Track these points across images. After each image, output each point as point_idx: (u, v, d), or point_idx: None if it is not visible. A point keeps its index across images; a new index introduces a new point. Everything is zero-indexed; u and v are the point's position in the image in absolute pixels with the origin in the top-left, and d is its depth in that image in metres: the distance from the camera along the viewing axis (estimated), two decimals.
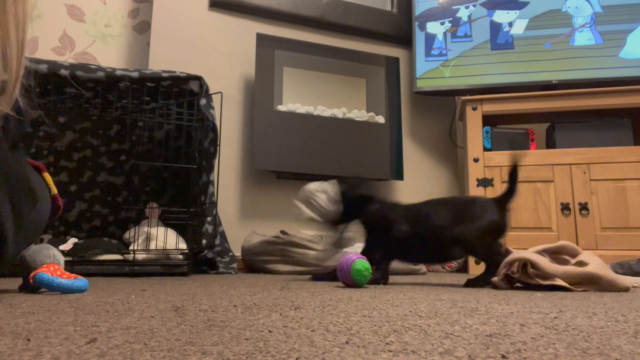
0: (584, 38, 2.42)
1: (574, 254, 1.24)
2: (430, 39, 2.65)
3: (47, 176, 1.02)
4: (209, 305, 0.77)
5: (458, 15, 2.63)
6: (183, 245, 1.74)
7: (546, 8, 2.50)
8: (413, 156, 2.71)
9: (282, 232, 1.97)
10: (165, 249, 1.69)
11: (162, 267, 1.66)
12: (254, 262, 2.02)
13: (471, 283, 1.29)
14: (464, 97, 2.31)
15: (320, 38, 2.61)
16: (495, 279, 1.23)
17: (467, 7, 2.62)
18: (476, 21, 2.59)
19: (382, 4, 2.80)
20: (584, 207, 2.07)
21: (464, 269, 2.33)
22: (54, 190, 1.00)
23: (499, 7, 2.58)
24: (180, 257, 1.70)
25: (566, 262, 1.21)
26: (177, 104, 1.81)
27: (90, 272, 1.52)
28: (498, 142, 2.24)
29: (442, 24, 2.65)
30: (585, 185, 2.08)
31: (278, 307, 0.74)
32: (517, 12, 2.54)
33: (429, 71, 2.59)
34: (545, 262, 1.15)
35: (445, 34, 2.63)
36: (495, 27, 2.54)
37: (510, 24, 2.52)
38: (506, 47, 2.50)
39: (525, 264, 1.17)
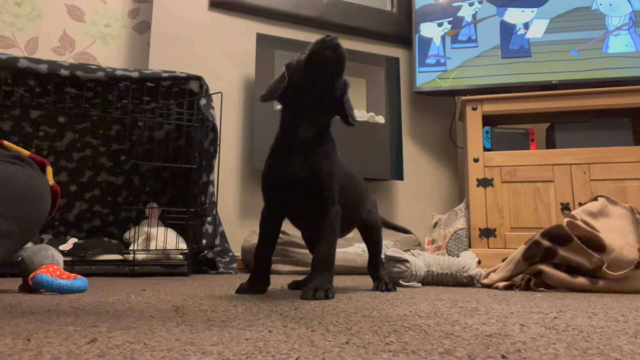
0: (621, 43, 1.97)
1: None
2: (424, 43, 2.20)
3: (49, 171, 1.03)
4: (209, 305, 0.76)
5: (460, 14, 2.18)
6: (183, 245, 1.74)
7: (572, 6, 2.04)
8: (413, 156, 2.71)
9: (282, 232, 1.97)
10: (165, 249, 1.69)
11: (162, 267, 1.66)
12: None
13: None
14: (464, 97, 2.30)
15: None
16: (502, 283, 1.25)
17: (471, 4, 2.16)
18: (483, 22, 2.15)
19: (382, 4, 2.79)
20: None
21: None
22: (51, 181, 1.01)
23: (511, 4, 2.07)
24: (180, 257, 1.70)
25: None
26: (177, 104, 1.81)
27: (90, 272, 1.52)
28: (498, 142, 2.23)
29: (440, 25, 2.20)
30: (585, 185, 2.07)
31: (278, 307, 0.74)
32: (535, 10, 2.05)
33: (424, 84, 2.23)
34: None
35: (443, 37, 2.18)
36: (507, 30, 2.09)
37: (526, 26, 2.07)
38: (521, 54, 2.07)
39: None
